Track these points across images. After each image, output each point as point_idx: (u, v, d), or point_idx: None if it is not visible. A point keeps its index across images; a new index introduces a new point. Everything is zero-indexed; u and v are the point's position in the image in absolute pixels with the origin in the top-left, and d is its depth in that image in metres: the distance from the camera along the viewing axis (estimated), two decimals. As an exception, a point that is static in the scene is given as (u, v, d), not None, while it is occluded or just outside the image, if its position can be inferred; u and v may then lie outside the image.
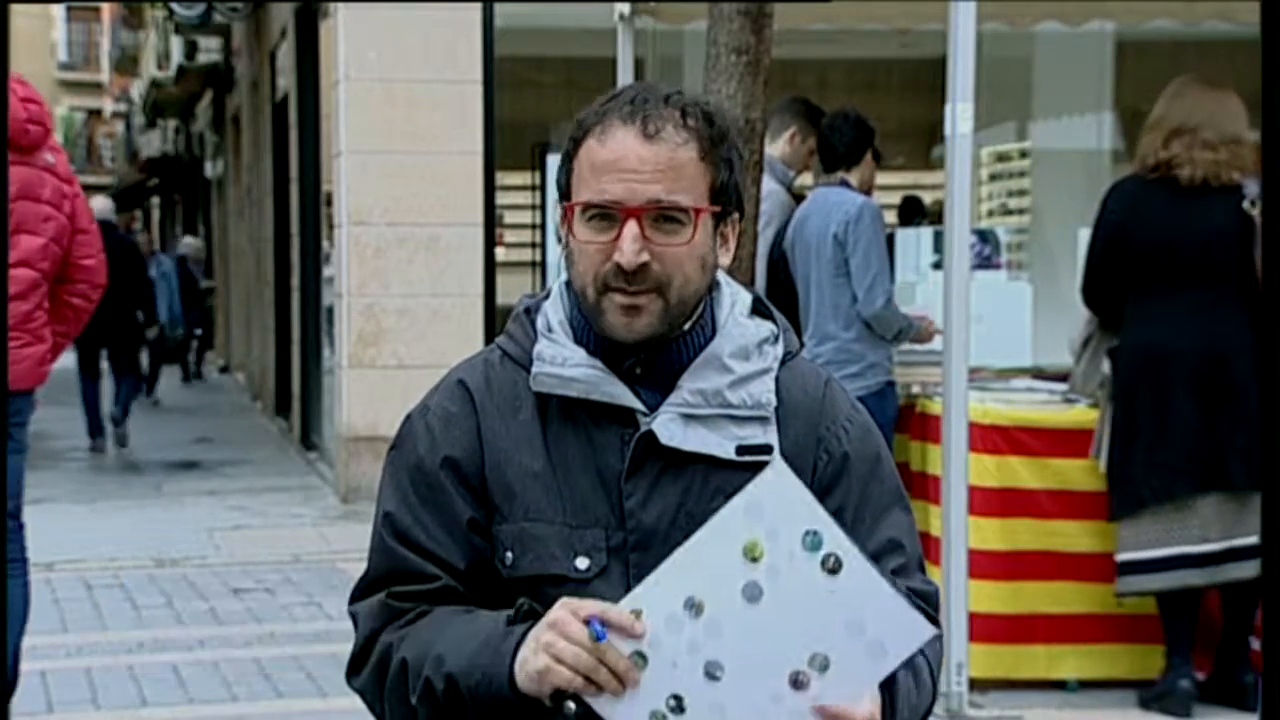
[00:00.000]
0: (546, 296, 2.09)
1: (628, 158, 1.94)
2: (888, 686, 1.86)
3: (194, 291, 19.68)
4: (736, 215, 2.05)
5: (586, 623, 1.80)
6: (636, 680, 1.80)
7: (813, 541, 1.76)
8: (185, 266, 19.89)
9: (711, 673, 1.80)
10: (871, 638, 1.78)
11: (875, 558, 2.01)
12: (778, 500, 1.76)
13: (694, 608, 1.78)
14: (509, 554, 1.99)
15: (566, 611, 1.82)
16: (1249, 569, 5.03)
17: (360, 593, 2.05)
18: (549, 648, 1.81)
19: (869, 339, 5.91)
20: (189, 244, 20.95)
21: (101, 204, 14.82)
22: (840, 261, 5.93)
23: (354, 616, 2.05)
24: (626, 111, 1.97)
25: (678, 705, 1.80)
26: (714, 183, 1.99)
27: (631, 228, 1.93)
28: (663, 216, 1.95)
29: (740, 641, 1.78)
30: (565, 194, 2.02)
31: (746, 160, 5.00)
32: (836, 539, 1.77)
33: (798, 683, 1.79)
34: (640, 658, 1.80)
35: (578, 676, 1.80)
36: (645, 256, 1.94)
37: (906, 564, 2.04)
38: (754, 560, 1.77)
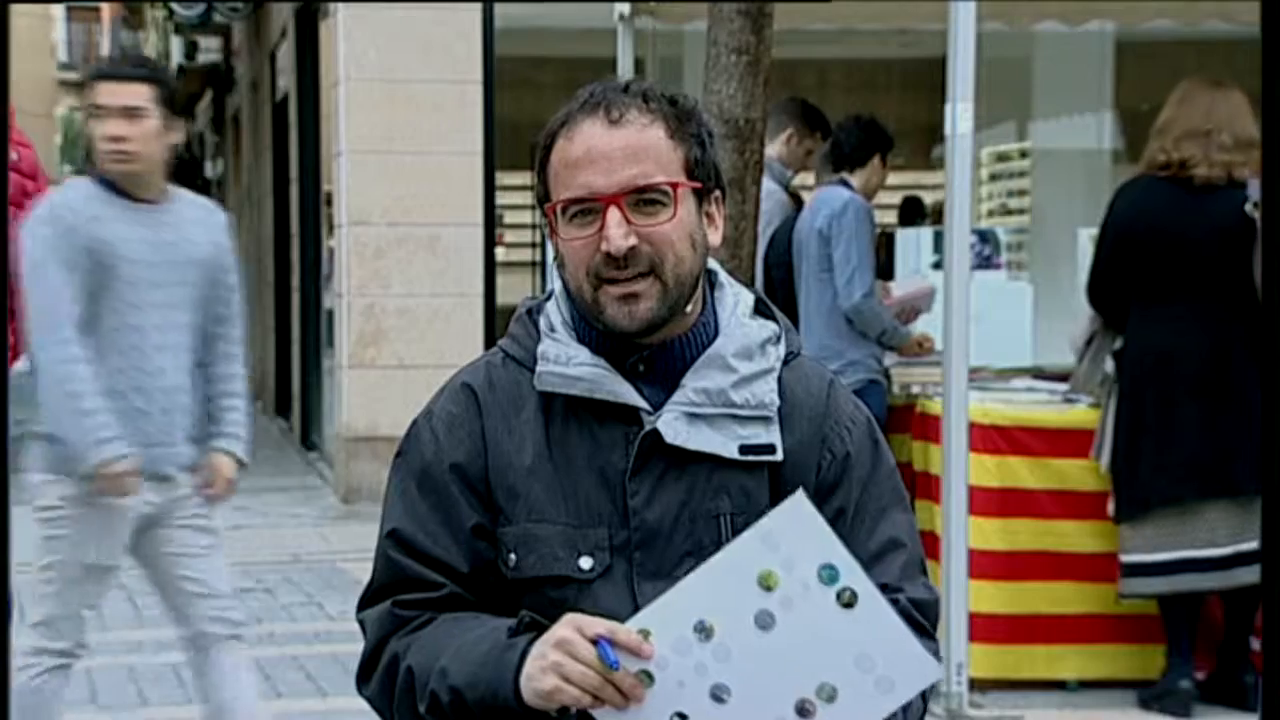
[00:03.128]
0: (549, 297, 2.09)
1: (596, 147, 1.95)
2: None
3: None
4: (718, 194, 2.05)
5: (594, 642, 1.79)
6: (641, 697, 1.80)
7: (829, 575, 1.76)
8: None
9: (718, 695, 1.79)
10: (881, 673, 1.77)
11: (877, 556, 2.01)
12: (795, 532, 1.76)
13: (704, 631, 1.78)
14: (512, 555, 1.99)
15: (573, 630, 1.81)
16: (1257, 573, 5.03)
17: (367, 600, 2.05)
18: (557, 668, 1.80)
19: (849, 336, 5.90)
20: None
21: None
22: (823, 257, 5.94)
23: (362, 624, 2.05)
24: (589, 106, 1.98)
25: None
26: (688, 159, 1.99)
27: (614, 214, 1.94)
28: (642, 199, 1.95)
29: (748, 667, 1.78)
30: (545, 202, 2.02)
31: (746, 160, 5.00)
32: (853, 573, 1.76)
33: (803, 710, 1.79)
34: (646, 676, 1.79)
35: (585, 695, 1.80)
36: (633, 240, 1.94)
37: (908, 563, 2.04)
38: (768, 589, 1.76)
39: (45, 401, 4.05)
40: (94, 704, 5.79)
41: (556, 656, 1.81)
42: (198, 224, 4.31)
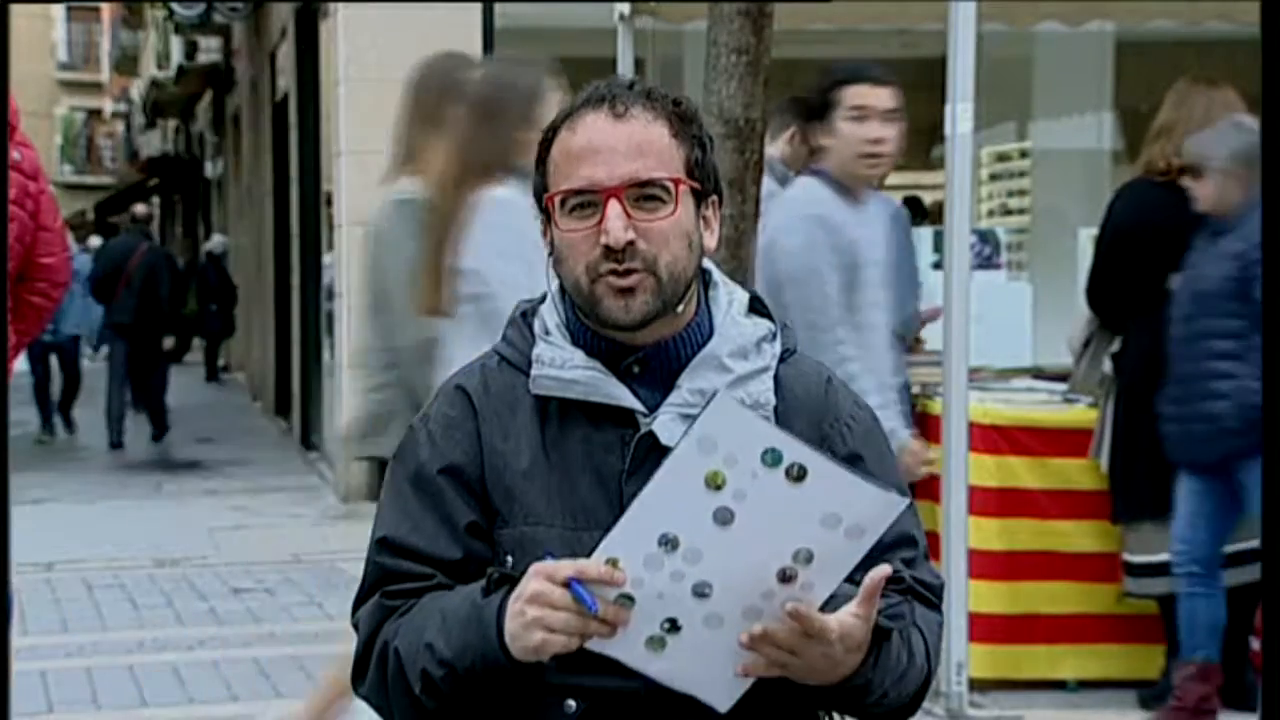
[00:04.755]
0: (542, 300, 2.09)
1: (599, 139, 1.96)
2: (877, 642, 1.88)
3: (230, 288, 19.44)
4: (716, 198, 2.06)
5: (566, 585, 1.81)
6: (626, 620, 1.82)
7: (773, 458, 1.77)
8: (220, 264, 19.68)
9: (700, 591, 1.81)
10: (849, 524, 1.80)
11: (886, 552, 2.01)
12: (727, 429, 1.77)
13: (669, 543, 1.79)
14: (509, 558, 1.98)
15: (543, 580, 1.82)
16: (1253, 573, 5.03)
17: (358, 601, 2.06)
18: (539, 622, 1.82)
19: None
20: (221, 241, 20.60)
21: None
22: None
23: (356, 626, 2.05)
24: (594, 101, 1.99)
25: (672, 626, 1.83)
26: (689, 160, 2.00)
27: (614, 206, 1.94)
28: (643, 194, 1.96)
29: (722, 561, 1.80)
30: (543, 194, 2.02)
31: (747, 160, 5.00)
32: (795, 449, 1.78)
33: (785, 577, 1.81)
34: (626, 599, 1.81)
35: (573, 639, 1.82)
36: (631, 234, 1.94)
37: (917, 556, 2.06)
38: (718, 489, 1.78)
39: None
40: (94, 704, 5.79)
41: (535, 611, 1.82)
42: (883, 221, 4.40)
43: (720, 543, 1.79)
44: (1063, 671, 5.50)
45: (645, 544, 1.79)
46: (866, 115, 4.16)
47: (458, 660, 1.90)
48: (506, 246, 3.74)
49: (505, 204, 3.81)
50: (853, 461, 2.03)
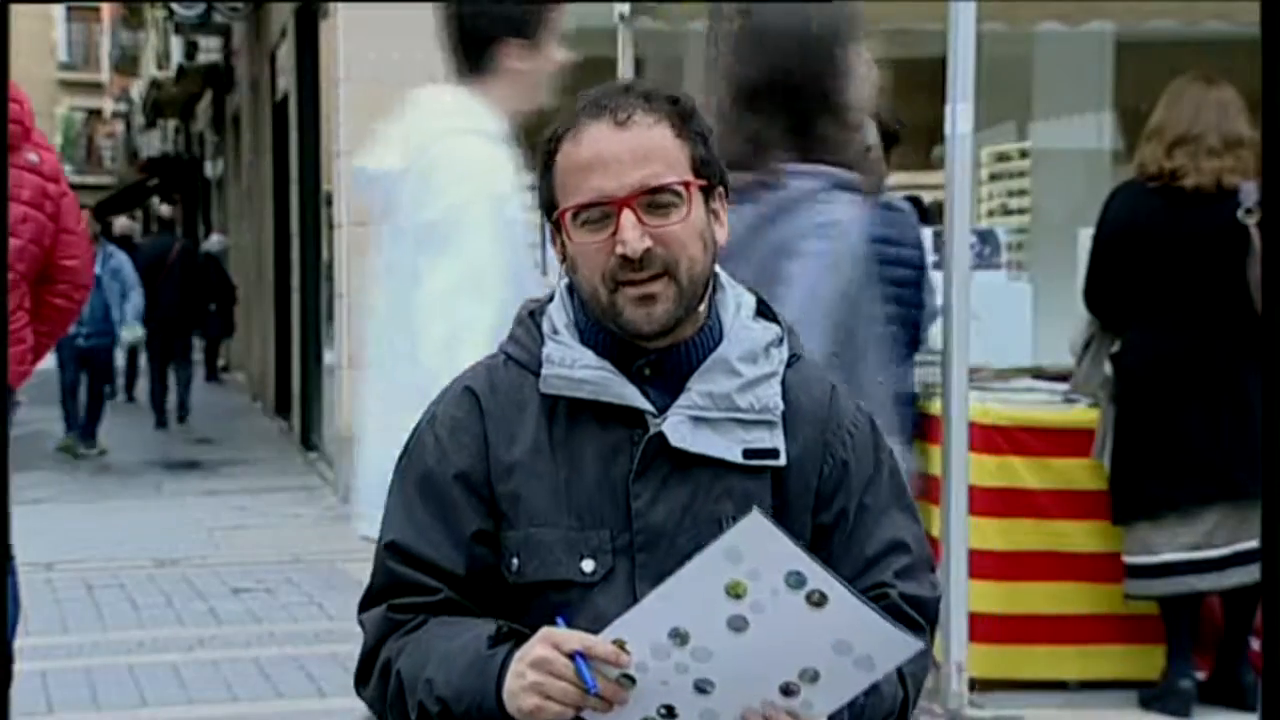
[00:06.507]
0: (550, 300, 2.09)
1: (605, 150, 1.95)
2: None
3: (229, 288, 19.47)
4: (722, 189, 2.05)
5: (570, 657, 1.81)
6: (625, 699, 1.82)
7: (796, 580, 1.76)
8: (220, 264, 19.68)
9: (701, 687, 1.81)
10: (859, 654, 1.80)
11: (876, 559, 2.02)
12: (757, 546, 1.76)
13: (679, 637, 1.79)
14: (515, 560, 1.99)
15: (549, 648, 1.83)
16: (1253, 573, 5.03)
17: (365, 603, 2.06)
18: (537, 688, 1.83)
19: None
20: (219, 241, 20.57)
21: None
22: None
23: (362, 625, 2.05)
24: (593, 109, 1.98)
25: (669, 713, 1.83)
26: (694, 157, 1.99)
27: (628, 216, 1.93)
28: (655, 201, 1.95)
29: (729, 664, 1.80)
30: (551, 207, 2.02)
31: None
32: (819, 575, 1.77)
33: (788, 691, 1.81)
34: (628, 679, 1.81)
35: (569, 709, 1.83)
36: (648, 242, 1.93)
37: (911, 565, 2.04)
38: (737, 597, 1.77)
39: None
40: (94, 704, 5.79)
41: (535, 676, 1.83)
42: None
43: (730, 647, 1.78)
44: (1063, 672, 5.50)
45: (656, 633, 1.79)
46: None
47: (454, 702, 1.91)
48: None
49: None
50: (845, 468, 2.03)
